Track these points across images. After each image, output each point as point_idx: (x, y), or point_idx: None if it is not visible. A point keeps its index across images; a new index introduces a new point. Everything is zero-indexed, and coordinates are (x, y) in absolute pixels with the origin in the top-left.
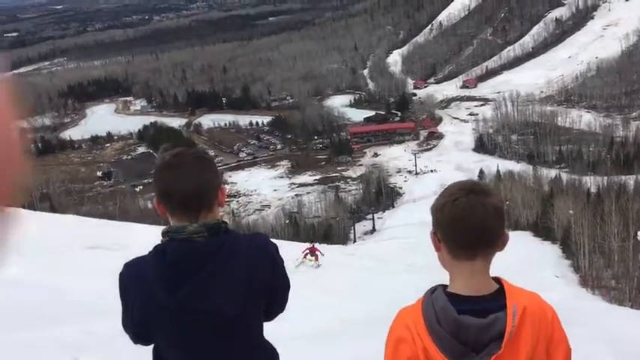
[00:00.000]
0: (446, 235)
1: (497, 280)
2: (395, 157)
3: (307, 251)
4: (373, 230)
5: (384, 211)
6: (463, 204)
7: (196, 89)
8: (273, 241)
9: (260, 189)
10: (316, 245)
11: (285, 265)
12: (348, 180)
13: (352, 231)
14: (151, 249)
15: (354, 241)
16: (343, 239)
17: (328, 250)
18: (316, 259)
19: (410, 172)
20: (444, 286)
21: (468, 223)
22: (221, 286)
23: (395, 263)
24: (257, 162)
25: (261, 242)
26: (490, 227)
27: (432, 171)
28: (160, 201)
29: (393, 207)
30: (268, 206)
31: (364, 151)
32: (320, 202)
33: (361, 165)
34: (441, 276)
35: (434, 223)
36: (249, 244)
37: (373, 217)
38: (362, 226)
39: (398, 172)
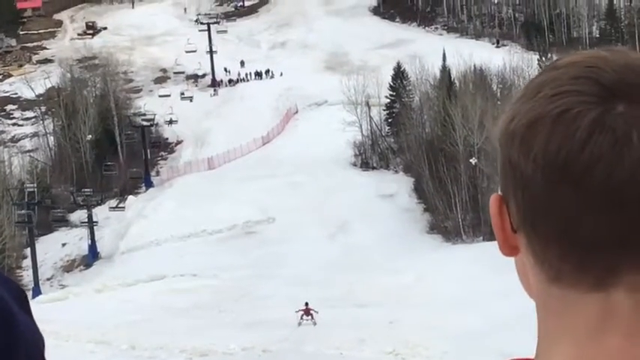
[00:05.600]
0: (535, 215)
1: None
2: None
3: (302, 313)
4: (92, 257)
5: (120, 200)
6: (593, 131)
7: None
8: None
9: None
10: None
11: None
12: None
13: None
14: None
15: None
16: None
17: None
18: (312, 317)
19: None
20: None
21: (605, 186)
22: None
23: None
24: None
25: None
26: None
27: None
28: None
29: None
30: None
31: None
32: None
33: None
34: None
35: (503, 173)
36: None
37: (90, 215)
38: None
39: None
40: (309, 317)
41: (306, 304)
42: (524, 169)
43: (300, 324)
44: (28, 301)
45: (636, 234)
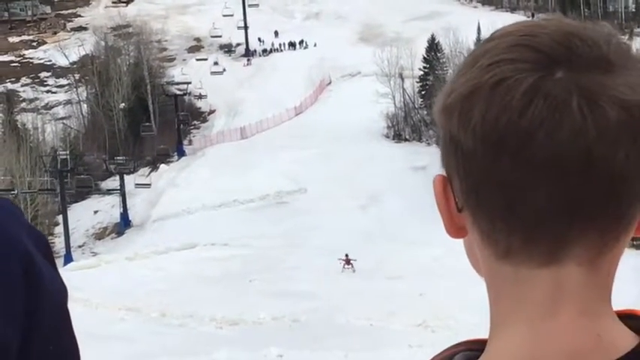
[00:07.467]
0: (479, 190)
1: (632, 315)
2: None
3: (344, 262)
4: (124, 225)
5: (152, 168)
6: (531, 99)
7: None
8: None
9: None
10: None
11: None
12: (47, 81)
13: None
14: None
15: None
16: None
17: None
18: (352, 266)
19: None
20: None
21: (546, 155)
22: None
23: None
24: None
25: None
26: (613, 167)
27: (300, 44)
28: None
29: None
30: None
31: None
32: None
33: (79, 30)
34: None
35: (444, 151)
36: None
37: (122, 183)
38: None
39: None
40: (350, 266)
41: (346, 255)
42: (464, 142)
43: (342, 270)
44: (51, 251)
45: (580, 204)
